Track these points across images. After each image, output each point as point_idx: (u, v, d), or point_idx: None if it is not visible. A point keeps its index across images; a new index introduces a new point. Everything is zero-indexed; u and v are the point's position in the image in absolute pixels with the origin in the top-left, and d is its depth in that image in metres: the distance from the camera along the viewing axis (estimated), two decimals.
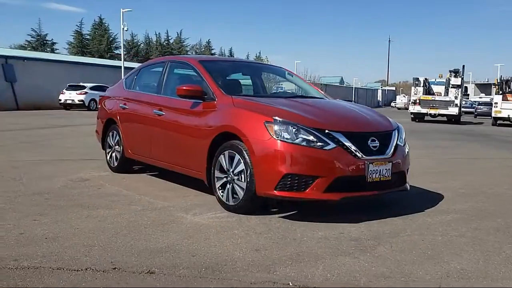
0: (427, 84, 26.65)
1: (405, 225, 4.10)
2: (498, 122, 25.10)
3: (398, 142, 4.49)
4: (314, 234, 3.76)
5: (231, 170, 4.34)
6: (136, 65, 42.79)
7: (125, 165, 6.33)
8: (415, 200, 5.10)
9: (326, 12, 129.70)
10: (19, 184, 5.51)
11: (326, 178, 3.92)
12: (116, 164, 6.38)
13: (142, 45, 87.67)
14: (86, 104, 26.62)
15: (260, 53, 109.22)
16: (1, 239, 3.47)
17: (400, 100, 79.62)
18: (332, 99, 5.54)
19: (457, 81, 24.79)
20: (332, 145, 3.98)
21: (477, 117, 38.30)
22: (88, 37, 70.92)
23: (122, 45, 36.80)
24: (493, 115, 25.11)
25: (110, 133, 6.50)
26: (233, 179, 4.32)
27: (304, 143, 3.95)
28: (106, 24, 72.48)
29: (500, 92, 25.55)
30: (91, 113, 23.94)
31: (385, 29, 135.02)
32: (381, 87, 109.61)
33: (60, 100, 27.23)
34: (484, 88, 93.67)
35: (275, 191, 3.96)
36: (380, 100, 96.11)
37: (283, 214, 4.34)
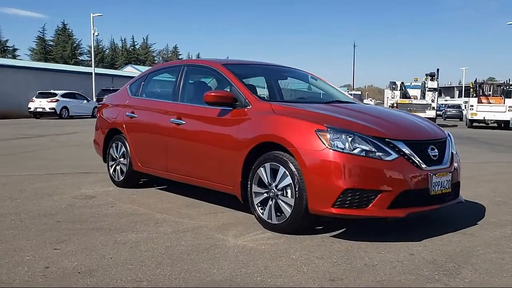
0: (403, 87, 26.81)
1: (471, 242, 3.74)
2: (474, 124, 25.47)
3: (452, 150, 4.14)
4: (383, 257, 3.34)
5: (273, 184, 3.89)
6: (103, 71, 41.88)
7: (132, 179, 5.78)
8: (457, 211, 4.75)
9: (293, 15, 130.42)
10: (18, 205, 4.90)
11: (390, 192, 3.51)
12: (121, 178, 5.81)
13: (107, 51, 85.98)
14: (58, 112, 25.48)
15: (228, 57, 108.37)
16: (25, 276, 2.90)
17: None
18: (363, 103, 5.15)
19: (434, 84, 25.01)
20: (394, 155, 3.58)
21: (446, 119, 38.96)
22: (51, 43, 68.92)
23: (92, 50, 35.73)
24: (469, 117, 25.48)
25: (114, 145, 5.93)
26: (277, 195, 3.86)
27: (363, 154, 3.54)
28: (69, 30, 70.61)
29: (474, 94, 25.94)
30: (65, 121, 23.03)
31: (350, 33, 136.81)
32: (348, 91, 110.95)
33: (29, 108, 25.97)
34: (448, 91, 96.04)
35: (332, 209, 3.52)
36: None
37: (334, 233, 3.91)
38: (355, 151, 3.53)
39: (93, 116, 27.24)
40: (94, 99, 30.16)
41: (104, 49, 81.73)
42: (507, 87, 25.20)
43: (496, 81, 29.78)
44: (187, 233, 3.89)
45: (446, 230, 4.03)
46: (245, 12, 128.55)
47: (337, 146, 3.54)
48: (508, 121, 24.37)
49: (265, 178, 3.94)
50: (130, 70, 55.58)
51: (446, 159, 3.95)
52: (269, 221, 3.93)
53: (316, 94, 5.52)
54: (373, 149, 3.55)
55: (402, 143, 3.66)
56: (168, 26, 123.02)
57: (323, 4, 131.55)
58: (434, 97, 25.18)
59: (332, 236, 3.83)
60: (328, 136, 3.58)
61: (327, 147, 3.54)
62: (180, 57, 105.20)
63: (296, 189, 3.68)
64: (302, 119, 3.81)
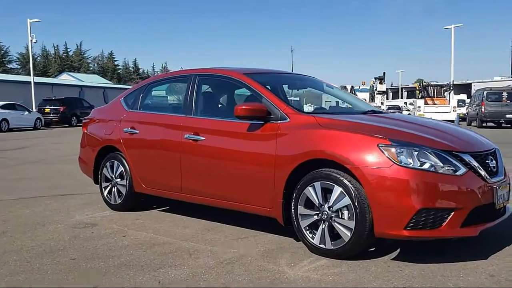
0: (353, 91, 27.30)
1: None
2: None
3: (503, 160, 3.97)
4: (466, 281, 3.09)
5: (325, 205, 3.53)
6: (42, 80, 39.54)
7: (132, 202, 5.22)
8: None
9: (230, 22, 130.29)
10: (12, 240, 4.24)
11: (462, 210, 3.25)
12: (119, 201, 5.23)
13: (39, 58, 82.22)
14: None
15: (166, 63, 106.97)
16: None
17: (307, 109, 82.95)
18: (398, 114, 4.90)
19: (383, 87, 25.64)
20: (463, 169, 3.33)
21: None
22: None
23: (30, 58, 33.54)
24: None
25: (108, 164, 5.34)
26: (331, 217, 3.51)
27: (432, 169, 3.26)
28: None
29: (420, 96, 26.86)
30: (5, 135, 21.34)
31: (287, 38, 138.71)
32: None
33: None
34: (395, 93, 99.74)
35: (404, 231, 3.21)
36: None
37: (390, 255, 3.61)
38: (425, 167, 3.25)
39: (35, 128, 25.62)
40: (35, 110, 28.40)
41: (36, 56, 77.94)
42: (450, 88, 26.28)
43: (438, 82, 30.97)
44: (234, 265, 3.45)
45: (501, 243, 3.84)
46: (182, 18, 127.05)
47: (405, 162, 3.24)
48: (453, 121, 25.38)
49: (315, 199, 3.58)
50: (67, 78, 53.24)
51: (501, 169, 3.76)
52: (321, 246, 3.56)
53: (342, 104, 5.20)
54: (443, 164, 3.28)
55: (468, 155, 3.43)
56: (103, 32, 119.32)
57: (259, 10, 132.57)
58: (383, 100, 25.80)
59: (393, 259, 3.53)
60: (394, 150, 3.27)
61: (394, 163, 3.23)
62: (116, 63, 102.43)
63: (357, 211, 3.35)
64: (359, 132, 3.48)
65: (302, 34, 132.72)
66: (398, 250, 3.73)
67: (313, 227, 3.64)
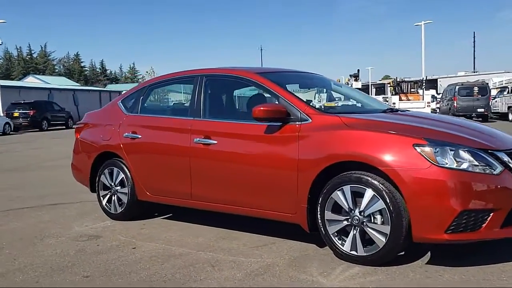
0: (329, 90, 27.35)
1: None
2: None
3: None
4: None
5: (356, 210, 3.37)
6: (8, 83, 38.10)
7: (134, 211, 4.95)
8: None
9: (199, 22, 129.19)
10: (11, 257, 3.94)
11: (501, 210, 3.14)
12: (120, 210, 4.96)
13: (1, 60, 79.84)
14: None
15: (134, 64, 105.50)
16: None
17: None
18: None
19: (358, 84, 25.82)
20: (499, 168, 3.22)
21: None
22: None
23: None
24: None
25: (106, 171, 5.04)
26: (362, 222, 3.35)
27: (470, 169, 3.13)
28: None
29: (394, 92, 27.16)
30: None
31: (256, 37, 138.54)
32: None
33: None
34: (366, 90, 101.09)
35: (445, 235, 3.08)
36: None
37: (422, 260, 3.48)
38: (463, 166, 3.12)
39: (4, 134, 24.68)
40: (3, 114, 27.38)
41: None
42: (423, 84, 26.65)
43: (411, 79, 31.42)
44: (264, 277, 3.26)
45: None
46: (150, 18, 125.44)
47: (443, 162, 3.11)
48: None
49: (344, 203, 3.41)
50: (33, 81, 51.71)
51: None
52: (352, 253, 3.40)
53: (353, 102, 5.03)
54: (480, 163, 3.16)
55: (503, 153, 3.32)
56: (68, 33, 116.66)
57: (227, 10, 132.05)
58: None
59: (427, 264, 3.40)
60: (431, 150, 3.13)
61: (432, 163, 3.09)
62: (82, 64, 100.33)
63: (392, 215, 3.20)
64: (391, 132, 3.33)
65: (271, 32, 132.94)
66: (429, 253, 3.60)
67: (342, 233, 3.48)
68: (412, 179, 3.12)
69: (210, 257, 3.71)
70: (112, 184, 5.01)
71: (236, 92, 4.68)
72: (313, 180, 3.53)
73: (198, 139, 4.22)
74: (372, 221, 3.32)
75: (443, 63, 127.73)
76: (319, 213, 3.55)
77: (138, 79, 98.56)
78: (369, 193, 3.29)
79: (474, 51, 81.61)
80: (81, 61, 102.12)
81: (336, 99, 5.34)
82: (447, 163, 3.11)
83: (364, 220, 3.34)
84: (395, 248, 3.24)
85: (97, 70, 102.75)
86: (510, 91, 27.88)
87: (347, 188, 3.39)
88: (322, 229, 3.55)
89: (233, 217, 4.46)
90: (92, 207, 5.71)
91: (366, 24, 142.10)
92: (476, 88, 25.59)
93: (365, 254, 3.35)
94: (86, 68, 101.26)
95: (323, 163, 3.47)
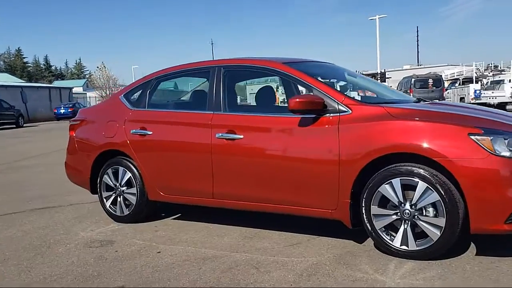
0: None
1: None
2: None
3: None
4: None
5: (407, 203, 3.25)
6: None
7: (144, 212, 4.65)
8: None
9: (153, 16, 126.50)
10: (25, 268, 3.59)
11: None
12: (127, 212, 4.64)
13: None
14: None
15: (80, 59, 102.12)
16: None
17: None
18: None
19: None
20: None
21: None
22: None
23: None
24: None
25: (110, 171, 4.70)
26: (414, 216, 3.23)
27: None
28: None
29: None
30: None
31: (207, 31, 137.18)
32: None
33: None
34: None
35: (505, 225, 3.02)
36: None
37: (470, 252, 3.41)
38: None
39: None
40: None
41: None
42: (384, 77, 27.17)
43: (369, 72, 31.98)
44: (317, 277, 3.09)
45: None
46: (98, 13, 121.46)
47: (499, 151, 3.03)
48: None
49: (394, 197, 3.29)
50: None
51: None
52: (403, 248, 3.29)
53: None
54: None
55: None
56: (8, 28, 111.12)
57: (177, 5, 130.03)
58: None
59: (477, 255, 3.33)
60: (488, 139, 3.05)
61: (490, 153, 3.01)
62: (25, 60, 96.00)
63: (448, 207, 3.10)
64: (444, 122, 3.22)
65: (220, 28, 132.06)
66: (472, 245, 3.53)
67: (391, 229, 3.35)
68: (470, 170, 3.03)
69: (248, 258, 3.50)
70: (117, 184, 4.68)
71: (258, 82, 4.44)
72: (358, 174, 3.38)
73: (221, 134, 3.98)
74: (424, 214, 3.21)
75: (389, 57, 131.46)
76: (364, 208, 3.41)
77: (85, 75, 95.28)
78: (421, 186, 3.18)
79: (417, 45, 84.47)
80: (24, 56, 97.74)
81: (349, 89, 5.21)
82: (503, 152, 3.04)
83: (416, 214, 3.23)
84: (450, 241, 3.14)
85: (41, 66, 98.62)
86: (461, 83, 28.96)
87: (396, 181, 3.27)
88: (368, 224, 3.41)
89: (249, 215, 4.32)
90: (87, 210, 5.35)
91: (319, 17, 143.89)
92: (430, 80, 26.37)
93: (417, 249, 3.24)
94: (29, 64, 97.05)
95: (369, 156, 3.32)
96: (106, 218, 4.88)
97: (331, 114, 3.55)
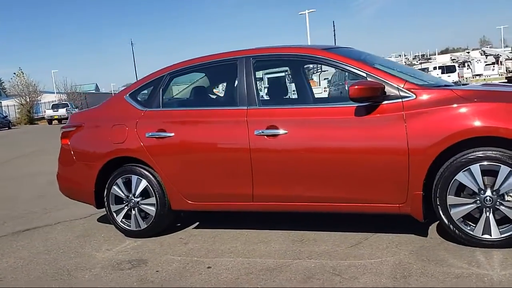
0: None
1: None
2: None
3: None
4: None
5: (487, 191, 3.09)
6: None
7: (163, 224, 4.17)
8: None
9: (71, 17, 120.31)
10: None
11: None
12: (145, 225, 4.13)
13: None
14: None
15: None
16: None
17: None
18: None
19: (259, 74, 25.85)
20: None
21: None
22: None
23: None
24: None
25: (120, 181, 4.17)
26: (496, 202, 3.08)
27: None
28: None
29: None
30: None
31: (127, 31, 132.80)
32: None
33: None
34: None
35: None
36: None
37: None
38: None
39: None
40: None
41: None
42: (319, 70, 27.58)
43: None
44: (415, 277, 2.83)
45: None
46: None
47: None
48: None
49: (473, 185, 3.11)
50: None
51: None
52: (485, 237, 3.13)
53: None
54: None
55: None
56: None
57: (93, 5, 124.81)
58: None
59: None
60: None
61: None
62: None
63: None
64: None
65: (142, 29, 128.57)
66: None
67: (467, 217, 3.16)
68: None
69: (318, 265, 3.17)
70: (129, 195, 4.15)
71: (301, 73, 4.08)
72: (431, 163, 3.16)
73: (260, 130, 3.60)
74: (506, 199, 3.05)
75: None
76: (438, 198, 3.19)
77: None
78: (504, 170, 3.02)
79: (334, 39, 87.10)
80: None
81: None
82: None
83: (498, 200, 3.06)
84: None
85: None
86: None
87: (475, 167, 3.08)
88: (444, 216, 3.20)
89: (270, 217, 4.17)
90: (83, 227, 4.77)
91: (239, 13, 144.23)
92: None
93: (501, 236, 3.07)
94: None
95: (445, 142, 3.10)
96: (115, 234, 4.34)
97: (392, 101, 3.30)
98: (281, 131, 3.55)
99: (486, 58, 37.24)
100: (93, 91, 76.94)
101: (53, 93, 54.54)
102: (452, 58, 39.40)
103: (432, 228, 3.65)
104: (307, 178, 3.52)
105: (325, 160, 3.45)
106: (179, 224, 4.48)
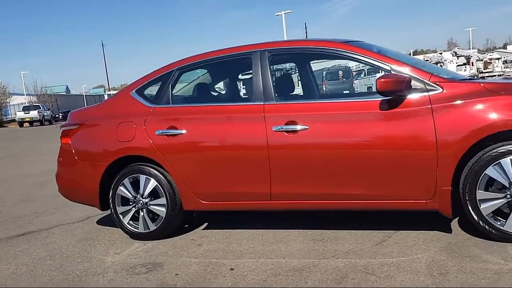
0: None
1: None
2: None
3: None
4: None
5: None
6: None
7: (173, 225, 4.00)
8: None
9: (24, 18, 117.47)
10: None
11: None
12: (155, 227, 3.96)
13: None
14: None
15: None
16: None
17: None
18: None
19: None
20: None
21: None
22: None
23: None
24: None
25: (127, 181, 3.99)
26: None
27: None
28: None
29: None
30: None
31: (98, 32, 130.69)
32: (106, 92, 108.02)
33: None
34: None
35: None
36: None
37: None
38: None
39: None
40: None
41: None
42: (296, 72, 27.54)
43: None
44: (455, 274, 2.74)
45: None
46: None
47: None
48: None
49: (503, 179, 3.05)
50: None
51: None
52: None
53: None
54: None
55: None
56: None
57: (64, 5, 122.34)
58: None
59: None
60: None
61: None
62: None
63: None
64: None
65: (115, 30, 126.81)
66: None
67: (496, 212, 3.11)
68: None
69: (348, 264, 3.07)
70: (138, 196, 3.97)
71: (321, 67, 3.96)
72: (461, 157, 3.09)
73: (279, 126, 3.48)
74: None
75: None
76: (467, 193, 3.13)
77: None
78: None
79: None
80: None
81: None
82: None
83: None
84: None
85: None
86: (366, 73, 30.35)
87: (505, 161, 3.03)
88: (473, 212, 3.14)
89: (280, 216, 4.10)
90: (82, 230, 4.58)
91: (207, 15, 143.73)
92: (340, 72, 27.25)
93: None
94: None
95: (475, 136, 3.05)
96: (120, 237, 4.16)
97: (418, 94, 3.23)
98: (301, 127, 3.43)
99: (458, 59, 38.02)
100: (64, 93, 75.46)
101: (23, 95, 53.18)
102: (425, 59, 40.09)
103: (454, 224, 3.59)
104: (330, 175, 3.41)
105: (349, 156, 3.35)
106: (186, 226, 4.30)
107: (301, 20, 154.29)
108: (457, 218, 3.59)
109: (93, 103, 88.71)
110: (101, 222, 4.83)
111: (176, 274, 3.20)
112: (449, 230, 3.47)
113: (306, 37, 67.08)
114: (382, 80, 3.15)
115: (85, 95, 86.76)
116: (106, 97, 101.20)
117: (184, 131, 3.77)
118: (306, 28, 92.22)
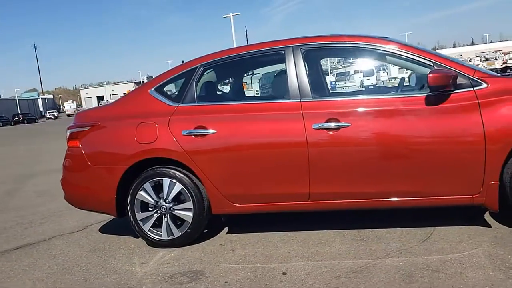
0: None
1: None
2: None
3: None
4: None
5: None
6: None
7: (201, 230, 3.80)
8: None
9: None
10: None
11: None
12: (180, 233, 3.74)
13: None
14: None
15: None
16: None
17: (70, 106, 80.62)
18: None
19: None
20: None
21: None
22: None
23: None
24: None
25: (148, 185, 3.74)
26: None
27: None
28: None
29: None
30: None
31: (29, 34, 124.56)
32: (40, 96, 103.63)
33: None
34: None
35: None
36: (42, 109, 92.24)
37: None
38: None
39: None
40: None
41: None
42: (250, 74, 27.55)
43: None
44: None
45: None
46: None
47: None
48: None
49: None
50: None
51: None
52: None
53: None
54: None
55: None
56: None
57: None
58: None
59: None
60: None
61: None
62: None
63: None
64: None
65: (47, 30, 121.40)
66: None
67: None
68: None
69: (406, 262, 3.01)
70: (160, 201, 3.73)
71: (362, 64, 3.88)
72: (510, 151, 3.12)
73: (319, 124, 3.38)
74: None
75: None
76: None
77: None
78: None
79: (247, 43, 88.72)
80: None
81: None
82: None
83: None
84: None
85: None
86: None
87: None
88: None
89: (311, 216, 4.04)
90: (89, 239, 4.31)
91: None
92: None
93: None
94: None
95: None
96: (137, 245, 3.92)
97: (464, 90, 3.24)
98: (343, 124, 3.34)
99: None
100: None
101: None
102: None
103: (487, 217, 3.63)
104: (374, 173, 3.34)
105: (394, 153, 3.30)
106: (206, 231, 4.09)
107: (241, 23, 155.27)
108: (484, 213, 3.63)
109: (27, 107, 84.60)
110: (104, 230, 4.52)
111: (226, 282, 3.02)
112: (487, 224, 3.49)
113: (247, 41, 66.83)
114: (433, 75, 3.12)
115: (18, 99, 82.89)
116: (40, 101, 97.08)
117: (214, 131, 3.58)
118: (246, 32, 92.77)
